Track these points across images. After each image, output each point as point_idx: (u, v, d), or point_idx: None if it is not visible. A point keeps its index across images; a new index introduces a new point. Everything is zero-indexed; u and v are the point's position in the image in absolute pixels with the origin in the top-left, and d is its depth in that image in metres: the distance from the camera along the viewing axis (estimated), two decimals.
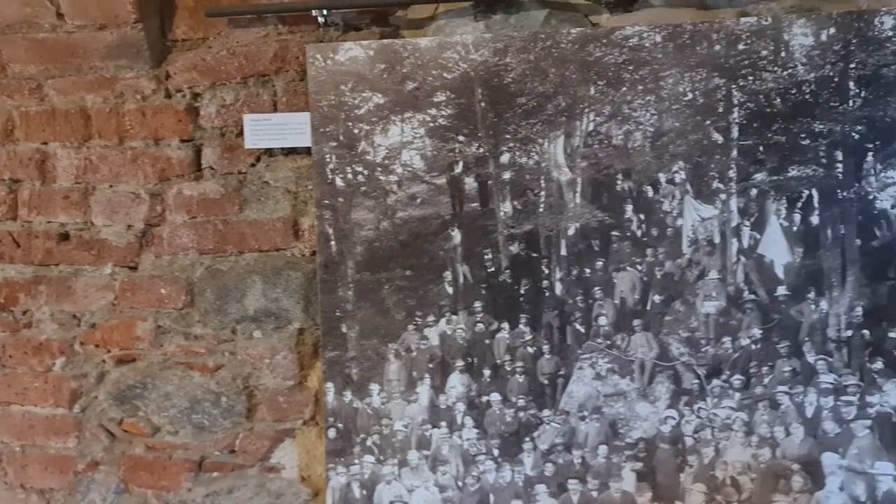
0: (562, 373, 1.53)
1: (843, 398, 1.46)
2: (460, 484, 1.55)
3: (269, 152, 1.60)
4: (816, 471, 1.47)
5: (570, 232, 1.51)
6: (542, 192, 1.51)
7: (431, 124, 1.52)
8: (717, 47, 1.45)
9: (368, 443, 1.57)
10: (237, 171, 1.61)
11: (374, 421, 1.57)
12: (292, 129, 1.55)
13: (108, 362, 1.68)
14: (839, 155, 1.44)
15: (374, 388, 1.57)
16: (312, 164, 1.55)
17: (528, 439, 1.54)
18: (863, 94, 1.42)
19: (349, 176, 1.54)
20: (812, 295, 1.47)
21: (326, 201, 1.55)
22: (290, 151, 1.59)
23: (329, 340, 1.56)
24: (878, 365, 1.45)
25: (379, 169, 1.54)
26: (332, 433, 1.57)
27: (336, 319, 1.56)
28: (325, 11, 1.52)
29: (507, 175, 1.52)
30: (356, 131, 1.54)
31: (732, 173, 1.47)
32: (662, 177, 1.49)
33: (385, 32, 1.57)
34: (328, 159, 1.54)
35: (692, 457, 1.50)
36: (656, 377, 1.52)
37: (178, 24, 1.60)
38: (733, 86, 1.45)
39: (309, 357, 1.61)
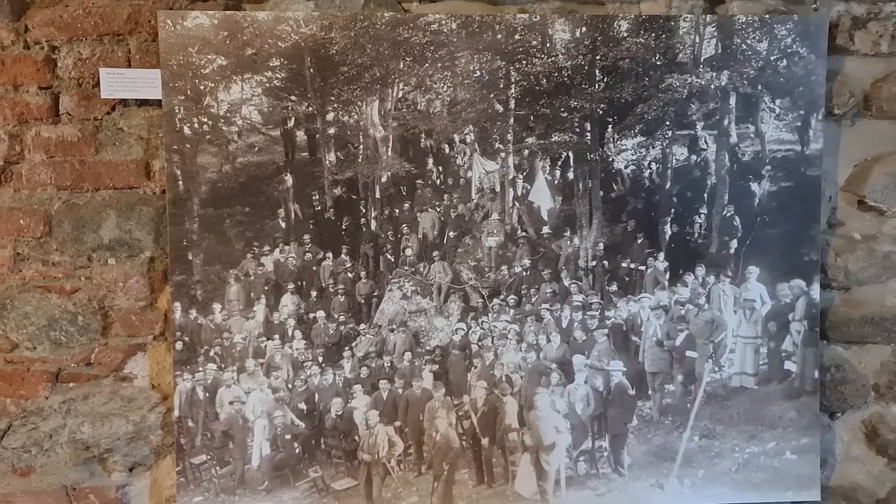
0: (375, 294, 1.88)
1: (588, 313, 1.91)
2: (290, 386, 1.86)
3: (124, 102, 1.82)
4: (569, 369, 1.91)
5: (383, 179, 1.85)
6: (361, 146, 1.84)
7: (267, 85, 1.80)
8: (500, 36, 1.83)
9: (211, 353, 1.85)
10: (93, 118, 1.82)
11: (217, 335, 1.85)
12: (145, 83, 1.78)
13: None
14: (588, 126, 1.87)
15: (217, 307, 1.84)
16: (163, 114, 1.79)
17: (347, 348, 1.88)
18: (605, 79, 1.85)
19: (195, 126, 1.80)
20: (568, 233, 1.89)
21: (175, 147, 1.80)
22: (142, 103, 1.81)
23: (177, 266, 1.82)
24: (614, 287, 1.91)
25: (222, 121, 1.81)
26: (178, 346, 1.83)
27: (183, 248, 1.82)
28: None
29: (331, 130, 1.83)
30: (202, 87, 1.79)
31: (510, 136, 1.86)
32: (456, 137, 1.86)
33: (229, 4, 1.83)
34: (177, 111, 1.79)
35: (477, 360, 1.90)
36: (450, 297, 1.90)
37: None
38: (511, 67, 1.84)
39: (159, 282, 1.86)
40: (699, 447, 1.92)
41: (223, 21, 1.78)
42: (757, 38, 1.87)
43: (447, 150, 1.85)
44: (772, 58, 1.87)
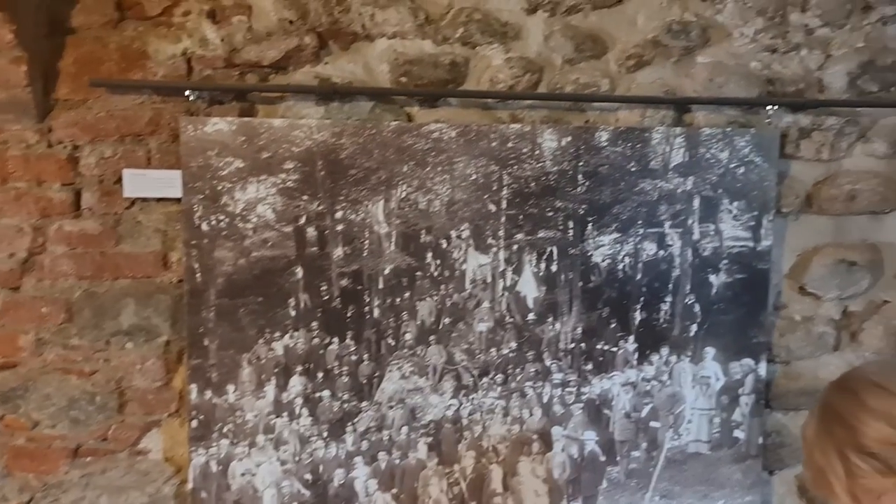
0: (377, 374, 2.06)
1: (566, 389, 2.13)
2: (297, 459, 2.03)
3: (143, 198, 1.94)
4: (548, 439, 2.13)
5: (386, 271, 2.03)
6: (366, 241, 2.01)
7: (281, 185, 1.95)
8: (494, 143, 2.01)
9: (224, 430, 2.00)
10: (114, 213, 1.93)
11: (230, 413, 2.00)
12: (166, 182, 1.91)
13: None
14: (571, 224, 2.08)
15: (230, 387, 1.99)
16: (182, 211, 1.92)
17: (350, 424, 2.06)
18: (587, 183, 2.07)
19: (213, 222, 1.93)
20: (550, 319, 2.11)
21: (193, 242, 1.93)
22: (161, 198, 1.94)
23: (194, 351, 1.96)
24: (589, 366, 2.14)
25: (238, 218, 1.94)
26: (194, 423, 1.98)
27: (200, 335, 1.96)
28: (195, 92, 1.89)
29: (340, 227, 1.99)
30: (220, 187, 1.93)
31: (501, 233, 2.06)
32: (454, 233, 2.04)
33: (244, 107, 1.96)
34: (196, 209, 1.92)
35: (467, 432, 2.10)
36: (444, 377, 2.10)
37: (61, 86, 1.87)
38: (504, 172, 2.03)
39: (174, 363, 2.00)
40: None
41: (241, 127, 1.91)
42: (719, 148, 2.11)
43: (445, 246, 2.04)
44: (731, 165, 2.12)
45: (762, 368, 2.20)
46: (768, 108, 2.13)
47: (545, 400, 2.13)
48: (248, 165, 1.93)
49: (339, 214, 1.98)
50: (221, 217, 1.94)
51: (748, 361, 2.19)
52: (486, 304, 2.08)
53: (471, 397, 2.10)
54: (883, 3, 2.14)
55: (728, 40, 2.13)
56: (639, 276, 2.13)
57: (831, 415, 1.22)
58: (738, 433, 2.21)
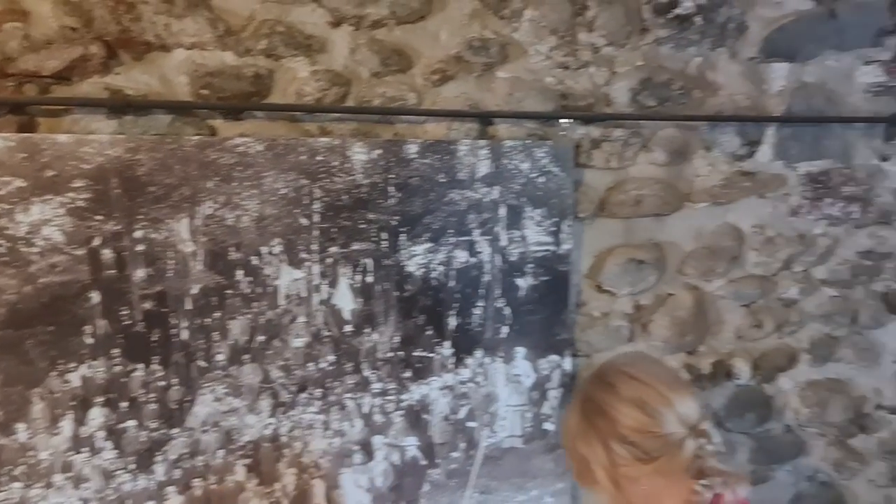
0: (188, 399, 1.97)
1: (386, 398, 2.17)
2: (101, 496, 1.90)
3: None
4: (369, 448, 2.16)
5: (194, 291, 1.94)
6: (171, 261, 1.91)
7: (70, 205, 1.81)
8: (303, 157, 2.00)
9: (16, 472, 1.82)
10: None
11: (21, 454, 1.83)
12: None
13: None
14: (384, 235, 2.11)
15: (21, 426, 1.82)
16: None
17: (159, 453, 1.95)
18: (398, 195, 2.10)
19: None
20: (368, 330, 2.13)
21: None
22: None
23: None
24: (408, 374, 2.18)
25: (21, 242, 1.78)
26: None
27: None
28: None
29: (140, 247, 1.88)
30: None
31: (315, 247, 2.04)
32: (265, 249, 2.00)
33: (22, 121, 1.79)
34: None
35: (287, 450, 2.07)
36: (261, 395, 2.05)
37: None
38: (315, 185, 2.02)
39: None
40: (478, 502, 2.27)
41: (21, 143, 1.75)
42: (521, 159, 2.23)
43: (255, 262, 1.99)
44: (532, 175, 2.25)
45: (567, 363, 2.36)
46: (562, 121, 2.29)
47: (365, 410, 2.15)
48: (30, 185, 1.77)
49: (138, 234, 1.87)
50: (1, 242, 1.76)
51: (555, 357, 2.35)
52: (301, 319, 2.06)
53: (289, 414, 2.07)
54: (657, 26, 2.37)
55: (525, 57, 2.25)
56: (452, 283, 2.20)
57: (592, 407, 1.33)
58: (548, 425, 2.35)
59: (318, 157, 2.01)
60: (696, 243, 2.55)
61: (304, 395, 2.08)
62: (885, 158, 2.74)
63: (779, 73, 2.55)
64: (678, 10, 2.37)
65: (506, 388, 2.30)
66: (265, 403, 2.05)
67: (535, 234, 2.28)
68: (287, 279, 2.03)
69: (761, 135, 2.57)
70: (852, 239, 2.75)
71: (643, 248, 2.47)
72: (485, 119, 2.22)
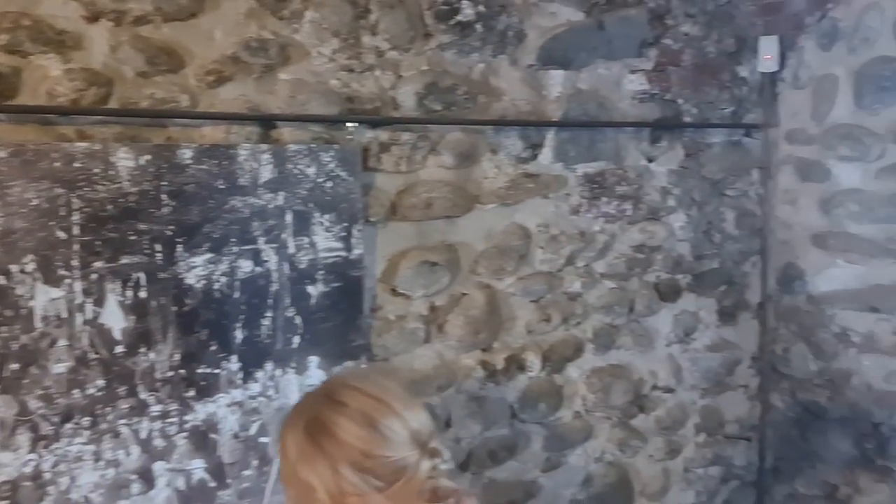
0: None
1: (167, 420, 2.02)
2: None
3: None
4: (149, 476, 2.00)
5: None
6: None
7: None
8: (57, 164, 1.81)
9: None
10: None
11: None
12: None
13: None
14: (158, 247, 1.96)
15: None
16: None
17: None
18: (172, 203, 1.97)
19: None
20: (143, 349, 1.97)
21: None
22: None
23: None
24: (191, 393, 2.05)
25: None
26: None
27: None
28: None
29: None
30: None
31: (76, 262, 1.86)
32: (15, 267, 1.79)
33: None
34: None
35: (51, 487, 1.87)
36: (17, 430, 1.83)
37: None
38: (73, 195, 1.83)
39: None
40: None
41: None
42: (307, 163, 2.17)
43: (4, 282, 1.78)
44: (319, 180, 2.20)
45: None
46: (349, 124, 2.26)
47: (143, 436, 1.99)
48: None
49: None
50: None
51: (350, 364, 2.32)
52: (62, 343, 1.86)
53: (53, 448, 1.87)
54: (439, 31, 2.41)
55: (308, 59, 2.20)
56: (237, 295, 2.10)
57: (318, 427, 1.17)
58: None
59: (76, 164, 1.83)
60: (487, 243, 2.63)
61: (69, 425, 1.89)
62: (651, 159, 3.00)
63: (556, 80, 2.70)
64: (459, 17, 2.43)
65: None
66: (23, 438, 1.84)
67: (324, 240, 2.24)
68: (43, 299, 1.83)
69: (542, 138, 2.71)
70: (626, 234, 2.97)
71: (436, 250, 2.51)
72: (266, 122, 2.14)
